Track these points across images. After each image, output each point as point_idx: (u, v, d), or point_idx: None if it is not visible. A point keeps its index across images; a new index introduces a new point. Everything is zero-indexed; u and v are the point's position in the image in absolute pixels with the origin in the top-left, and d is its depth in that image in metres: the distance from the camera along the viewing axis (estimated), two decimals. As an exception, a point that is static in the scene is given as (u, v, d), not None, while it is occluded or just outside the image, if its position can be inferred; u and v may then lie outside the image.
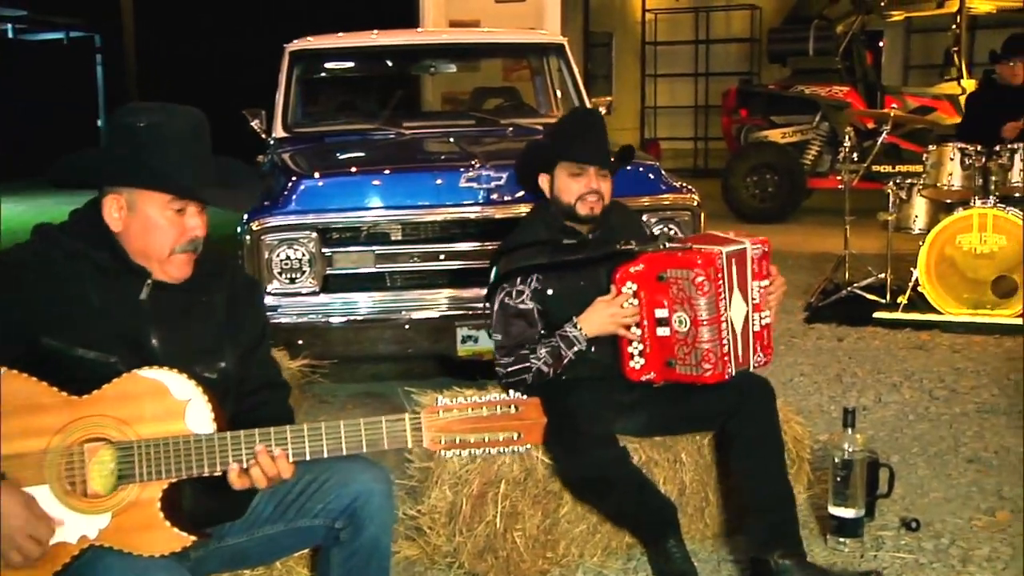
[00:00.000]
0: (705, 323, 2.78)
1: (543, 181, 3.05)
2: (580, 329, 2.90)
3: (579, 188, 2.98)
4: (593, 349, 2.95)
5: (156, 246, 2.07)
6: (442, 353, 4.33)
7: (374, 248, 4.20)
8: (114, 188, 2.07)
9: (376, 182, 4.26)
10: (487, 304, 3.08)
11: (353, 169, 4.50)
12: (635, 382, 2.92)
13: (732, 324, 2.86)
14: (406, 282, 4.29)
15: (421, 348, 4.26)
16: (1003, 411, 4.38)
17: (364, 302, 4.22)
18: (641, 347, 2.89)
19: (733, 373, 2.86)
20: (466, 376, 4.34)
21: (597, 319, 2.89)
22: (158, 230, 2.06)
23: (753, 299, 2.93)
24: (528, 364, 2.90)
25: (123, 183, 2.06)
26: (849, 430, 3.05)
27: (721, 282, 2.79)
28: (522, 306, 2.96)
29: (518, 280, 2.97)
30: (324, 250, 4.15)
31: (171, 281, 2.10)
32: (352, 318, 4.18)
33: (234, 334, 2.18)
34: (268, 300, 4.08)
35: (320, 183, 4.24)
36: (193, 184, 2.05)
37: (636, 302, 2.86)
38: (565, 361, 2.90)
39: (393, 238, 4.25)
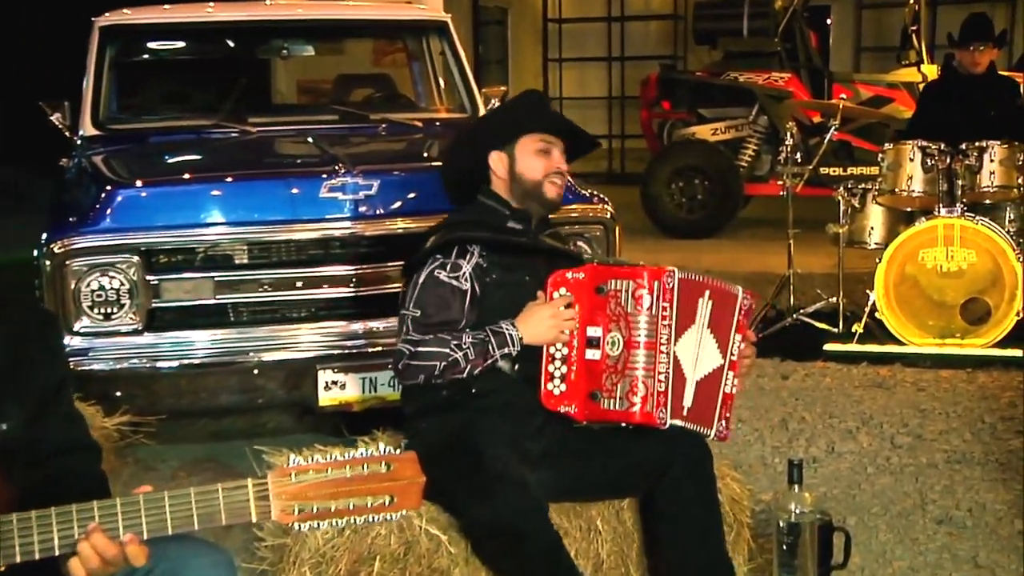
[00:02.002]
0: (640, 345, 2.87)
1: (496, 160, 3.17)
2: (517, 330, 2.98)
3: (546, 167, 3.15)
4: (517, 367, 3.02)
5: None
6: (301, 403, 4.29)
7: (213, 274, 4.15)
8: None
9: (215, 192, 4.21)
10: (408, 278, 3.11)
11: (186, 176, 4.44)
12: (551, 411, 2.98)
13: (678, 362, 2.93)
14: (255, 316, 4.24)
15: (274, 398, 4.22)
16: (977, 461, 4.53)
17: (201, 342, 4.15)
18: (564, 369, 2.97)
19: (667, 421, 2.91)
20: (331, 431, 4.31)
21: (536, 325, 2.98)
22: None
23: (732, 355, 3.06)
24: (447, 351, 2.95)
25: None
26: (796, 487, 3.12)
27: (667, 305, 2.89)
28: (457, 283, 3.03)
29: (455, 252, 3.06)
30: (149, 277, 4.08)
31: None
32: (185, 362, 4.11)
33: (20, 385, 2.11)
34: (76, 342, 3.99)
35: (143, 193, 4.18)
36: None
37: (569, 314, 2.98)
38: (490, 362, 2.97)
39: (237, 261, 4.20)
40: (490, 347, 2.96)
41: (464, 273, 3.04)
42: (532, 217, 3.20)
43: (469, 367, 2.95)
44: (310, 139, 4.91)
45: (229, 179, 4.32)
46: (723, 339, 3.04)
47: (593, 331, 2.95)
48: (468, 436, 2.88)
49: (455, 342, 2.95)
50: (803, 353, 6.13)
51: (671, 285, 2.90)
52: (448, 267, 3.04)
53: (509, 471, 2.81)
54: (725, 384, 3.06)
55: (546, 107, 3.34)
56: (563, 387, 2.97)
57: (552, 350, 2.98)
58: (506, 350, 2.97)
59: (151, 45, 5.84)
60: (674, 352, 2.92)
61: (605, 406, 2.92)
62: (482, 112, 5.43)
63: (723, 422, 3.07)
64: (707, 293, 3.00)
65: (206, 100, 5.90)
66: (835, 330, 6.30)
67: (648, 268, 2.93)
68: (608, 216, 4.42)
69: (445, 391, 3.01)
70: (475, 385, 3.01)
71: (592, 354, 2.94)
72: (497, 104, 5.49)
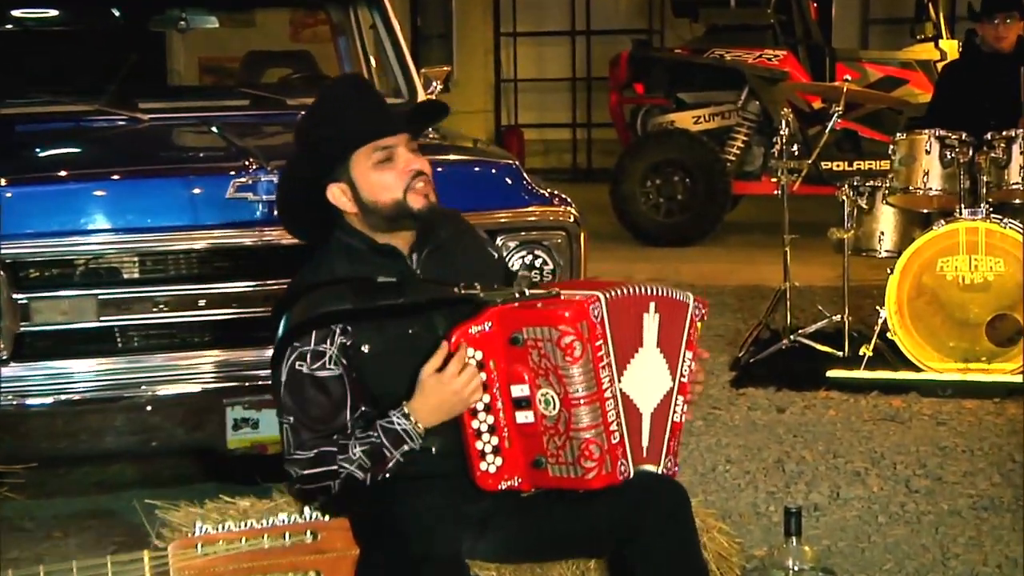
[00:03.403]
0: (581, 402, 2.81)
1: (337, 195, 3.02)
2: (413, 420, 2.89)
3: (398, 177, 2.99)
4: (433, 449, 2.95)
5: None
6: (204, 446, 4.27)
7: (97, 292, 4.11)
8: None
9: (98, 192, 4.18)
10: (273, 374, 3.04)
11: (62, 173, 4.39)
12: (491, 492, 2.92)
13: (628, 399, 2.91)
14: (148, 341, 4.22)
15: (172, 440, 4.19)
16: (1007, 507, 4.56)
17: (81, 373, 4.11)
18: (496, 441, 2.89)
19: (631, 472, 2.89)
20: (240, 479, 4.27)
21: (437, 407, 2.88)
22: None
23: (681, 376, 3.02)
24: (334, 468, 2.88)
25: None
26: (794, 540, 3.12)
27: (601, 343, 2.83)
28: (322, 373, 2.93)
29: (313, 337, 2.95)
30: (16, 296, 4.03)
31: None
32: (62, 398, 4.07)
33: None
34: (-74, 374, 3.94)
35: (8, 194, 4.11)
36: None
37: (484, 376, 2.88)
38: (390, 465, 2.89)
39: (126, 276, 4.17)
40: (384, 450, 2.88)
41: (329, 358, 2.93)
42: (407, 246, 3.05)
43: (369, 476, 2.88)
44: (214, 128, 4.88)
45: (115, 177, 4.29)
46: (672, 358, 3.01)
47: (518, 390, 2.85)
48: (389, 506, 2.84)
49: (342, 456, 2.87)
50: (802, 381, 6.16)
51: (599, 316, 2.82)
52: (308, 356, 2.93)
53: (435, 548, 2.78)
54: (674, 412, 3.03)
55: (358, 107, 3.04)
56: (499, 461, 2.89)
57: (475, 424, 2.89)
58: (405, 447, 2.88)
59: (15, 13, 5.79)
60: (621, 391, 2.88)
61: (554, 473, 2.86)
62: (421, 96, 5.42)
63: (671, 457, 3.04)
64: (652, 306, 2.96)
65: (86, 81, 5.84)
66: (840, 354, 6.33)
67: (568, 303, 2.83)
68: (571, 220, 4.40)
69: None
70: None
71: (524, 417, 2.86)
72: (439, 84, 5.48)
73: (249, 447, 4.16)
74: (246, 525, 1.99)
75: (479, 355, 2.87)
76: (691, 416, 3.10)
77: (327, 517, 2.02)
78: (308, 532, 1.99)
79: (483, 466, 2.90)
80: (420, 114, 3.26)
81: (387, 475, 2.91)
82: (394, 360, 2.95)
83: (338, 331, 2.95)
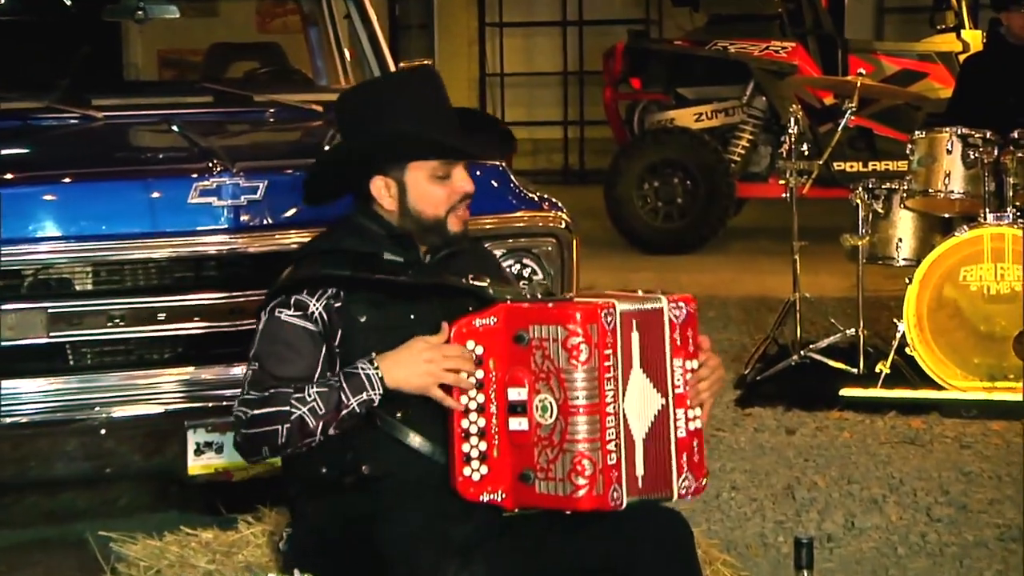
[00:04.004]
0: (580, 410, 2.82)
1: (379, 187, 3.10)
2: (377, 369, 2.91)
3: (449, 196, 3.09)
4: (417, 449, 2.97)
5: None
6: (164, 473, 4.26)
7: (46, 305, 4.11)
8: None
9: (49, 197, 4.18)
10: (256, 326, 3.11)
11: (8, 176, 4.39)
12: (472, 502, 2.92)
13: (627, 423, 2.91)
14: (102, 359, 4.22)
15: (128, 466, 4.18)
16: (1037, 536, 4.58)
17: (29, 394, 4.11)
18: (484, 446, 2.90)
19: (624, 501, 2.88)
20: (203, 508, 4.27)
21: (407, 364, 2.91)
22: None
23: (675, 387, 3.00)
24: (286, 409, 2.90)
25: None
26: (806, 573, 3.13)
27: (610, 353, 2.84)
28: (302, 323, 2.99)
29: (304, 291, 3.02)
30: (-41, 310, 4.03)
31: None
32: (8, 421, 4.05)
33: None
34: None
35: (-50, 200, 4.13)
36: None
37: (481, 374, 2.90)
38: (344, 413, 2.90)
39: (79, 288, 4.17)
40: (342, 394, 2.90)
41: (310, 313, 3.00)
42: (426, 246, 3.14)
43: (321, 424, 2.90)
44: (175, 127, 4.89)
45: (67, 180, 4.29)
46: (659, 373, 2.98)
47: (516, 393, 2.87)
48: (368, 527, 2.84)
49: (296, 396, 2.90)
50: (814, 400, 6.17)
51: (612, 324, 2.84)
52: (292, 304, 3.01)
53: (422, 572, 2.78)
54: (676, 428, 3.00)
55: (446, 111, 3.18)
56: (484, 469, 2.90)
57: (465, 423, 2.91)
58: (364, 396, 2.90)
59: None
60: (623, 411, 2.88)
61: (542, 489, 2.86)
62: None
63: (688, 476, 3.01)
64: (634, 323, 2.94)
65: (35, 76, 5.84)
66: (854, 371, 6.34)
67: (580, 305, 2.87)
68: (562, 226, 4.41)
69: (326, 468, 2.97)
70: (367, 463, 2.97)
71: (518, 423, 2.87)
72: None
73: (212, 474, 4.15)
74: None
75: (480, 349, 2.91)
76: (707, 417, 3.05)
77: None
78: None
79: (466, 471, 2.91)
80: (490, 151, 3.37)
81: (361, 462, 2.95)
82: (387, 339, 2.98)
83: (330, 292, 3.02)
